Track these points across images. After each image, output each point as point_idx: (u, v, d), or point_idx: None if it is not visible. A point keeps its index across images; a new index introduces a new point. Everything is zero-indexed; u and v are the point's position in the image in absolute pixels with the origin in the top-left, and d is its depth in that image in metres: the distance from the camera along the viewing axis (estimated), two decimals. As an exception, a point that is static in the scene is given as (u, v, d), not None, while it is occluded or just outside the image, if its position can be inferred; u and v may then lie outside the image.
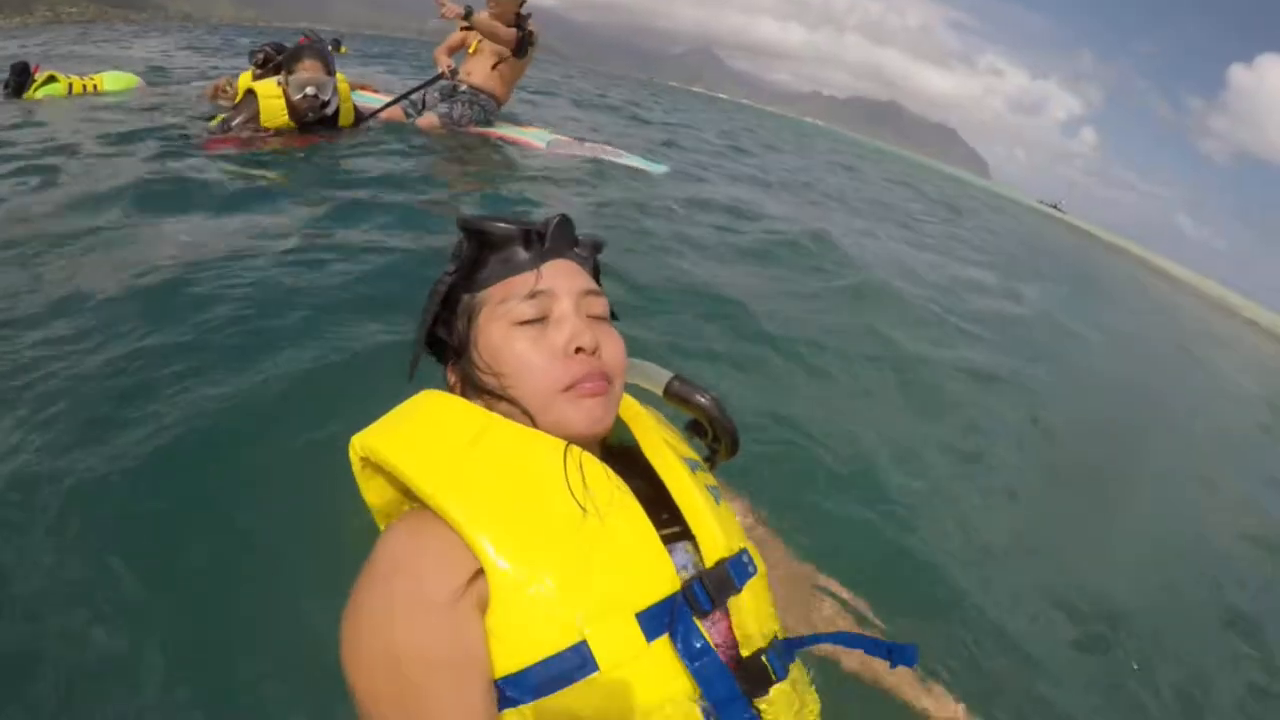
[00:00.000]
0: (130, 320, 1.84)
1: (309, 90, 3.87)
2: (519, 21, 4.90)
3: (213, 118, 4.22)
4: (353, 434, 0.83)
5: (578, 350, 0.84)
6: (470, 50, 5.27)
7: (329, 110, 4.00)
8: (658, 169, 5.39)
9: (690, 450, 1.00)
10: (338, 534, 1.01)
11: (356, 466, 0.84)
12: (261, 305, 1.98)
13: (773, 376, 2.47)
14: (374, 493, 0.86)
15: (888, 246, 5.70)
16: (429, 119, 4.97)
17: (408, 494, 0.82)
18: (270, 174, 3.38)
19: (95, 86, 5.58)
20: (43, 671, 1.06)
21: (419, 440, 0.79)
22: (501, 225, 0.90)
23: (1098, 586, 1.93)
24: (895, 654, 0.93)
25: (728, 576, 0.83)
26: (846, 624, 1.21)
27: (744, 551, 0.87)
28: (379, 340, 1.91)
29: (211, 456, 1.45)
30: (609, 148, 5.52)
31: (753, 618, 0.83)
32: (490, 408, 0.86)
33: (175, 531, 1.29)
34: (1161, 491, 2.83)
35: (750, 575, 0.86)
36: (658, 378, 1.02)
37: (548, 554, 0.72)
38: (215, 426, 1.51)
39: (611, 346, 0.89)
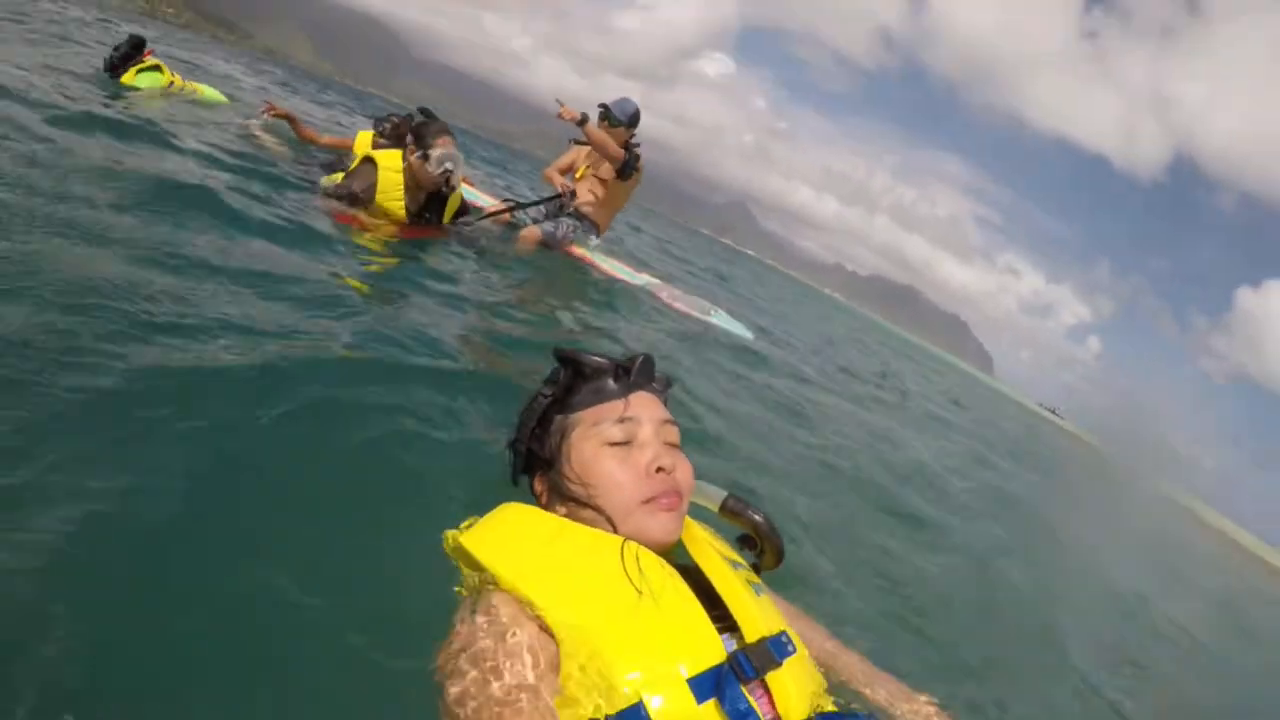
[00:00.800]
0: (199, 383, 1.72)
1: (448, 165, 3.69)
2: (628, 146, 5.03)
3: (328, 173, 4.17)
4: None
5: (658, 470, 0.99)
6: (578, 175, 5.32)
7: (451, 189, 3.88)
8: (744, 334, 5.43)
9: (733, 553, 1.12)
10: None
11: (450, 553, 1.00)
12: (340, 395, 1.89)
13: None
14: (464, 568, 0.99)
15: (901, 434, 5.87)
16: (533, 232, 4.97)
17: (488, 577, 0.94)
18: (382, 259, 3.37)
19: (194, 91, 5.83)
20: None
21: (505, 541, 0.94)
22: (596, 359, 1.07)
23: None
24: None
25: (768, 652, 0.90)
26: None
27: (783, 633, 0.96)
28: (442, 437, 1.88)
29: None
30: (699, 302, 5.57)
31: (794, 693, 0.89)
32: (573, 514, 1.01)
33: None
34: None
35: (790, 654, 0.94)
36: (715, 496, 1.19)
37: (610, 630, 0.83)
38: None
39: (684, 469, 1.03)
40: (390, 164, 3.75)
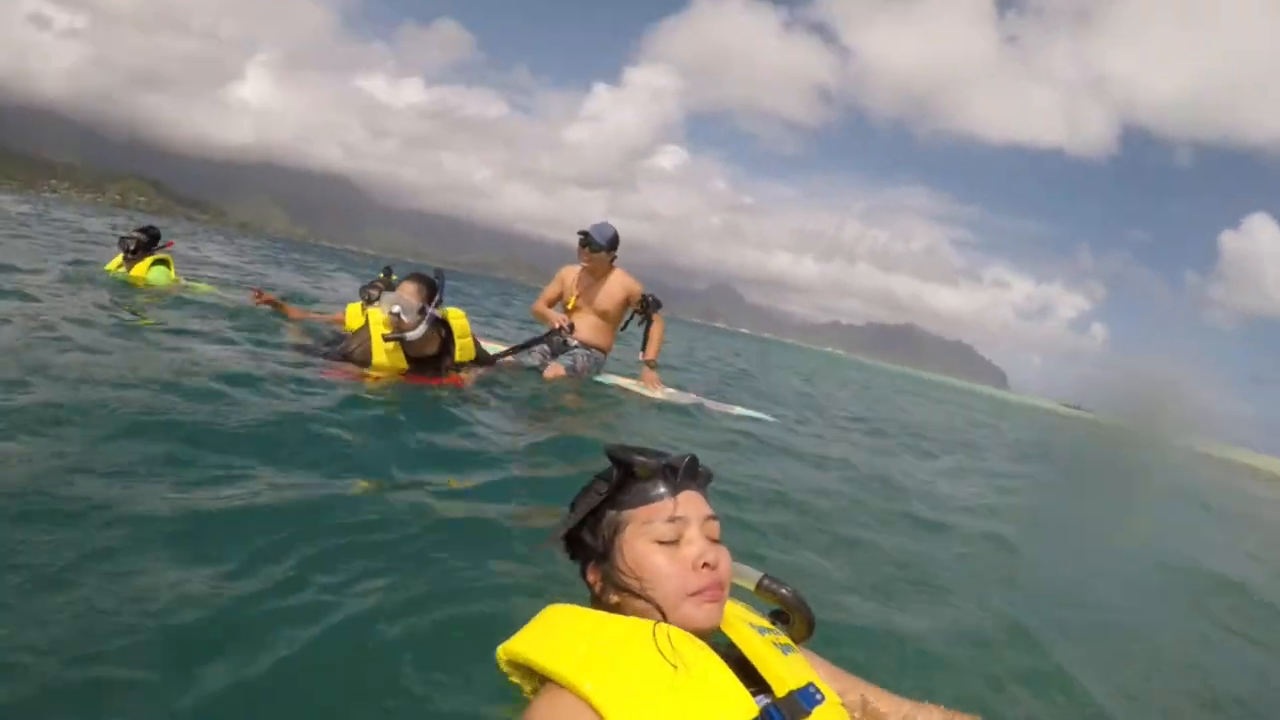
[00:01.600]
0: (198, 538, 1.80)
1: (395, 309, 3.83)
2: (646, 307, 5.25)
3: (330, 343, 4.39)
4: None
5: (704, 565, 1.08)
6: (569, 306, 5.31)
7: (409, 336, 3.88)
8: (767, 418, 5.58)
9: (762, 620, 1.22)
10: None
11: (504, 667, 1.09)
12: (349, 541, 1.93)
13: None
14: (518, 678, 1.09)
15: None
16: (555, 369, 4.96)
17: (541, 676, 1.02)
18: (380, 407, 3.41)
19: (189, 289, 6.16)
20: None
21: (550, 639, 1.03)
22: (645, 461, 1.14)
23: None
24: None
25: (797, 703, 1.01)
26: None
27: (811, 684, 1.06)
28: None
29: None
30: (719, 402, 5.69)
31: None
32: (626, 603, 1.10)
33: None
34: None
35: (819, 702, 1.03)
36: (750, 576, 1.26)
37: (651, 703, 0.92)
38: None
39: (725, 561, 1.12)
40: (381, 321, 3.97)
